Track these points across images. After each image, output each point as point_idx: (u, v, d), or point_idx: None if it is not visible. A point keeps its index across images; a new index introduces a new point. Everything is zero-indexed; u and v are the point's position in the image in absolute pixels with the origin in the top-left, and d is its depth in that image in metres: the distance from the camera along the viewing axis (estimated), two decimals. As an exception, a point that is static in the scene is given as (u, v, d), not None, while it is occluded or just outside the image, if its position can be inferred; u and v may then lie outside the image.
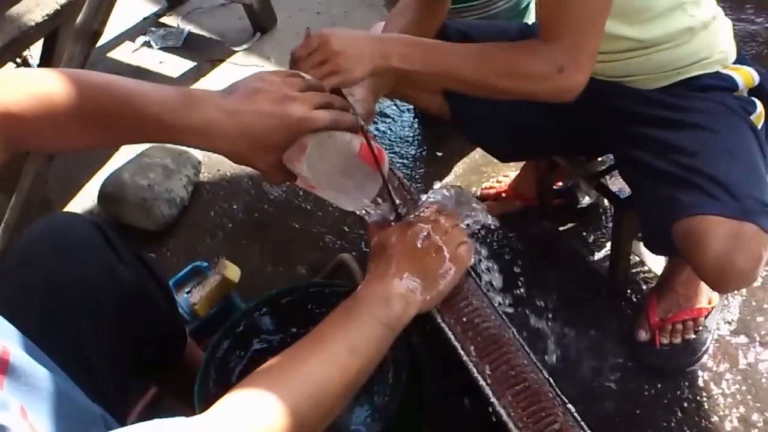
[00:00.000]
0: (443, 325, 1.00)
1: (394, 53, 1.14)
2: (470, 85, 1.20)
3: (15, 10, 2.14)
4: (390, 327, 0.89)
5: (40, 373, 0.75)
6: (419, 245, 0.96)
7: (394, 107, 2.37)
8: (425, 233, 0.98)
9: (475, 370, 0.94)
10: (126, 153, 2.41)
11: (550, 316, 1.68)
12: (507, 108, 1.48)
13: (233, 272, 1.73)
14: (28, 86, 0.80)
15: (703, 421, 1.47)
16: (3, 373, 0.70)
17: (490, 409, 0.92)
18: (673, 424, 1.47)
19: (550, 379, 0.93)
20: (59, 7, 2.17)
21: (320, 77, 1.06)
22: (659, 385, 1.53)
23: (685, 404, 1.49)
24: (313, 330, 0.85)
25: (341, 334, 0.85)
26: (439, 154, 2.16)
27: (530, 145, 1.58)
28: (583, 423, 0.88)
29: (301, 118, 0.89)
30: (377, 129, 2.30)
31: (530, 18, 2.09)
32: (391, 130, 2.30)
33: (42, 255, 1.06)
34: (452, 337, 0.98)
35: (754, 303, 1.63)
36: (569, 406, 0.90)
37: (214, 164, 2.33)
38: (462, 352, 0.97)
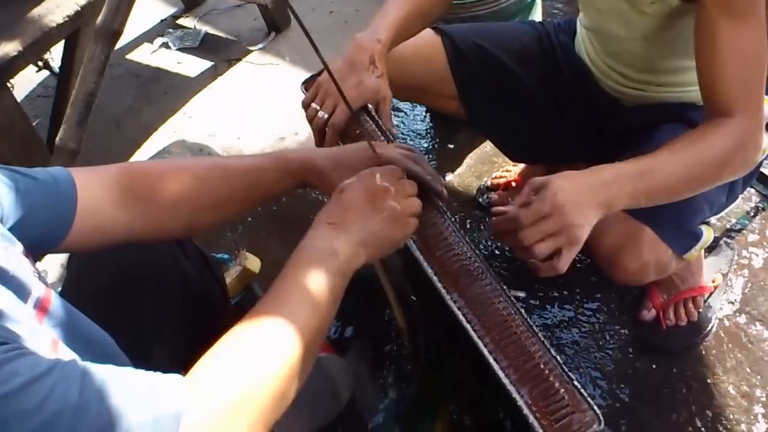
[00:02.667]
0: (455, 309, 1.02)
1: (618, 199, 1.05)
2: (681, 195, 1.13)
3: (36, 12, 2.19)
4: (342, 275, 0.90)
5: (74, 319, 0.86)
6: (378, 199, 0.97)
7: (407, 102, 2.42)
8: (388, 189, 0.98)
9: (485, 350, 0.97)
10: (147, 150, 2.48)
11: (558, 299, 1.74)
12: (521, 116, 1.55)
13: (254, 263, 1.78)
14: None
15: (707, 398, 1.51)
16: (43, 313, 0.80)
17: (500, 388, 0.94)
18: (678, 402, 1.51)
19: (557, 357, 0.96)
20: (79, 8, 2.22)
21: (553, 250, 1.01)
22: (665, 365, 1.58)
23: (691, 382, 1.54)
24: (274, 292, 0.84)
25: (302, 293, 0.84)
26: (451, 146, 2.21)
27: (541, 151, 1.64)
28: (590, 399, 0.91)
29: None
30: (394, 134, 2.34)
31: (536, 13, 2.13)
32: (403, 123, 2.35)
33: None
34: (463, 320, 1.01)
35: (756, 283, 1.68)
36: (576, 383, 0.93)
37: (232, 160, 2.38)
38: (473, 333, 0.99)
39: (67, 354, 0.79)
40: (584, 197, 1.02)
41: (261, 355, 0.76)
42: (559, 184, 1.01)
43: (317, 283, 0.86)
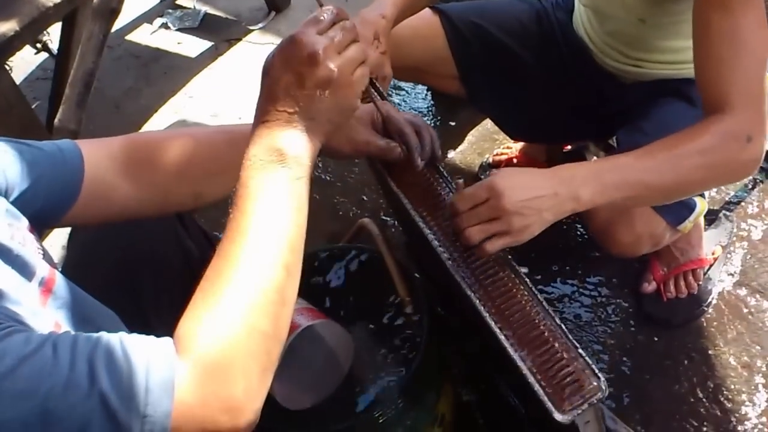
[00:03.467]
0: (459, 279, 1.02)
1: (585, 192, 0.99)
2: (666, 192, 1.08)
3: (33, -9, 2.20)
4: (298, 175, 0.79)
5: (78, 299, 0.84)
6: (306, 71, 0.81)
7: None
8: (313, 53, 0.80)
9: (489, 318, 0.97)
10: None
11: (560, 274, 1.75)
12: (521, 95, 1.55)
13: (256, 242, 1.79)
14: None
15: (709, 369, 1.53)
16: (48, 293, 0.79)
17: (505, 357, 0.94)
18: (680, 373, 1.53)
19: (563, 326, 0.96)
20: (77, -14, 2.21)
21: (486, 235, 0.98)
22: (666, 337, 1.60)
23: (692, 354, 1.56)
24: (233, 223, 0.76)
25: (260, 214, 0.76)
26: (452, 123, 2.21)
27: (541, 130, 1.65)
28: (594, 367, 0.91)
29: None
30: (391, 101, 2.35)
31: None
32: (405, 101, 2.35)
33: None
34: (467, 289, 1.01)
35: (755, 255, 1.69)
36: (581, 351, 0.93)
37: (234, 140, 2.38)
38: (477, 302, 0.99)
39: None
40: (529, 184, 0.98)
41: (234, 303, 0.71)
42: (502, 173, 0.99)
43: (270, 198, 0.77)
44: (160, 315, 1.15)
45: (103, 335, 0.65)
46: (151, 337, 0.68)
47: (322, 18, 0.83)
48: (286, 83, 0.81)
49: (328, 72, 0.81)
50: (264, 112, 0.82)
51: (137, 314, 1.12)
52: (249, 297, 0.71)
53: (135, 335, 0.67)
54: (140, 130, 2.51)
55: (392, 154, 1.10)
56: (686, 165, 1.02)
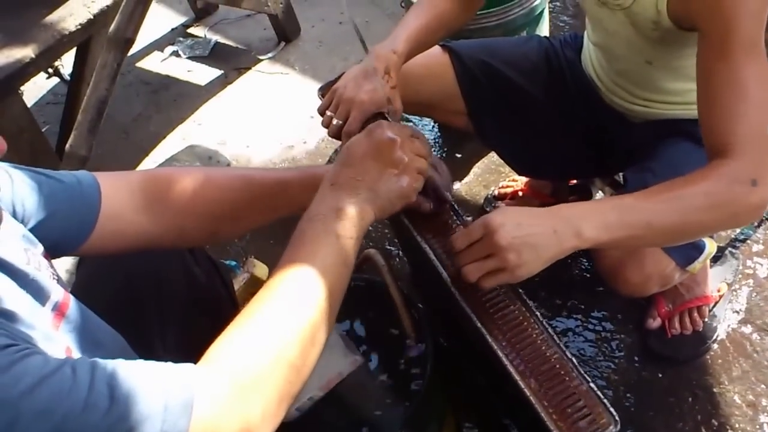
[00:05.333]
0: (468, 310, 1.03)
1: (588, 229, 0.96)
2: (671, 233, 1.05)
3: (48, 19, 2.22)
4: (349, 236, 0.87)
5: (89, 324, 0.86)
6: (384, 147, 0.95)
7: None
8: (395, 138, 0.96)
9: (500, 352, 0.97)
10: (156, 157, 2.51)
11: (565, 309, 1.75)
12: (529, 133, 1.56)
13: (262, 270, 1.80)
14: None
15: (713, 406, 1.52)
16: (61, 317, 0.81)
17: (516, 390, 0.94)
18: (684, 410, 1.52)
19: (573, 359, 0.96)
20: (92, 17, 2.25)
21: (483, 273, 0.97)
22: (670, 373, 1.59)
23: (696, 391, 1.55)
24: (279, 267, 0.82)
25: (307, 262, 0.81)
26: (459, 155, 2.23)
27: (549, 167, 1.66)
28: (605, 401, 0.91)
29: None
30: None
31: (544, 26, 2.14)
32: (411, 133, 2.36)
33: None
34: (476, 321, 1.01)
35: (761, 293, 1.69)
36: (592, 384, 0.93)
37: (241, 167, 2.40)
38: (487, 336, 0.99)
39: None
40: (525, 221, 0.96)
41: (269, 331, 0.74)
42: (498, 210, 1.00)
43: (322, 249, 0.83)
44: (163, 340, 1.15)
45: (121, 360, 0.67)
46: (170, 363, 0.69)
47: (401, 124, 1.01)
48: (363, 152, 0.94)
49: (400, 157, 0.95)
50: (335, 174, 0.93)
51: (140, 338, 1.12)
52: (284, 327, 0.75)
53: (153, 361, 0.69)
54: (148, 156, 2.54)
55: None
56: (691, 206, 1.01)
